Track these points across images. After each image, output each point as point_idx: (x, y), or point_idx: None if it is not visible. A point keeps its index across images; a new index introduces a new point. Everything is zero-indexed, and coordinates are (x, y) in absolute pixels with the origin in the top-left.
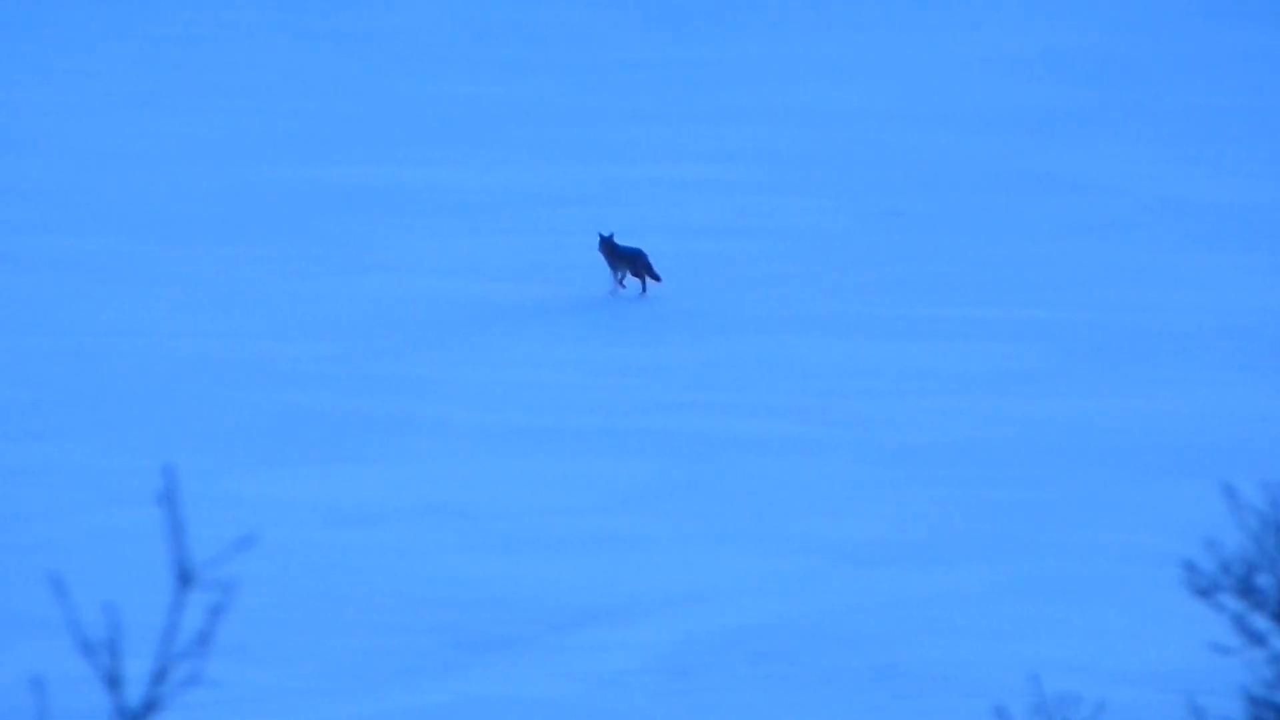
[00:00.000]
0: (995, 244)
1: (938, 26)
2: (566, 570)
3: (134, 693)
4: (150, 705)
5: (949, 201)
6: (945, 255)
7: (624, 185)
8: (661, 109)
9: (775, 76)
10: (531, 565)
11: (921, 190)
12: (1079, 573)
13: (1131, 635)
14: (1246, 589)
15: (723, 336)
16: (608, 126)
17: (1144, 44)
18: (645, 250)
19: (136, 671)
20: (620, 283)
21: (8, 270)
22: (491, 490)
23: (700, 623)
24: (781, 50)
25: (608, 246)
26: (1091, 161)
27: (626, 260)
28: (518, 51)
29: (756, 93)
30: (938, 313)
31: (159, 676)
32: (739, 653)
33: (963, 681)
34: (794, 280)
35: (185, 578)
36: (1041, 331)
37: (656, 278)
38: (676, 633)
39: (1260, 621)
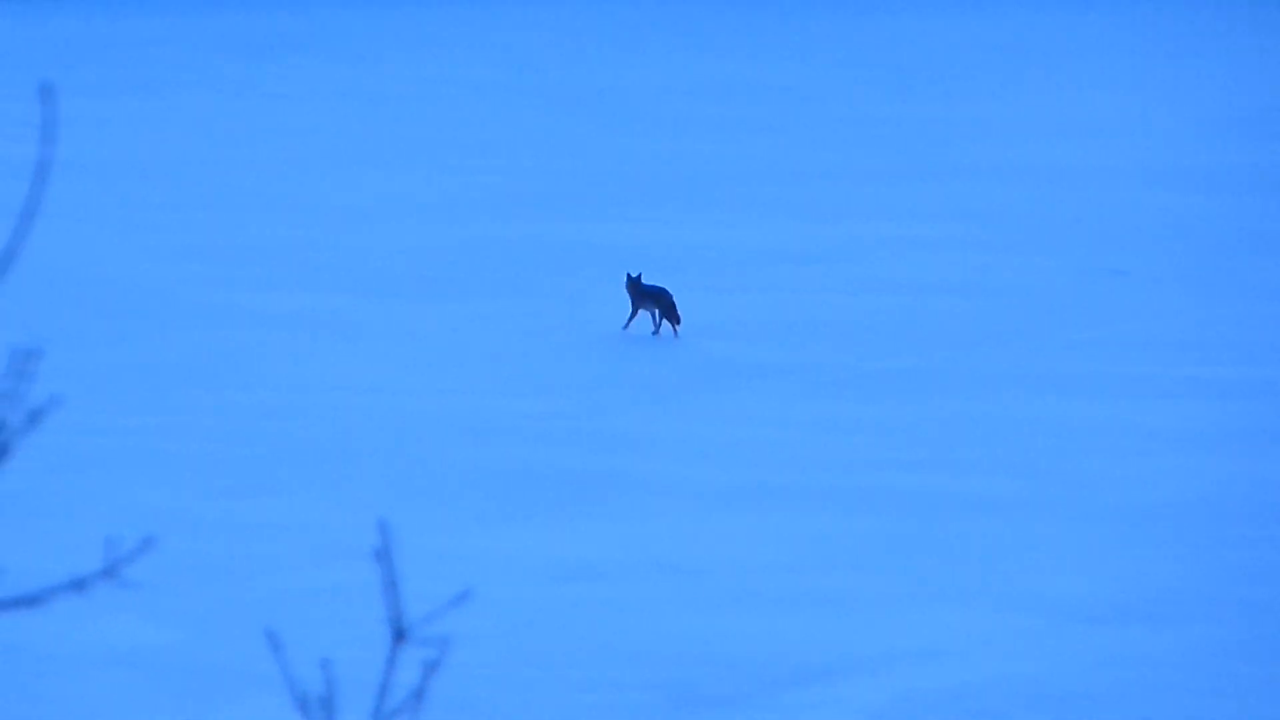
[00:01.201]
0: (1220, 303)
1: (1165, 85)
2: (786, 628)
3: None
4: None
5: (1173, 260)
6: (1169, 314)
7: (854, 243)
8: (893, 167)
9: (1004, 135)
10: (752, 622)
11: (1146, 249)
12: None
13: None
14: None
15: (946, 394)
16: (839, 185)
17: None
18: (670, 291)
19: None
20: (652, 323)
21: (232, 326)
22: (713, 547)
23: (920, 681)
24: (1010, 109)
25: (633, 285)
26: None
27: (650, 298)
28: (751, 111)
29: (985, 151)
30: (1162, 371)
31: None
32: (958, 711)
33: None
34: (1018, 338)
35: (400, 634)
36: (1269, 390)
37: (677, 320)
38: (895, 691)
39: None
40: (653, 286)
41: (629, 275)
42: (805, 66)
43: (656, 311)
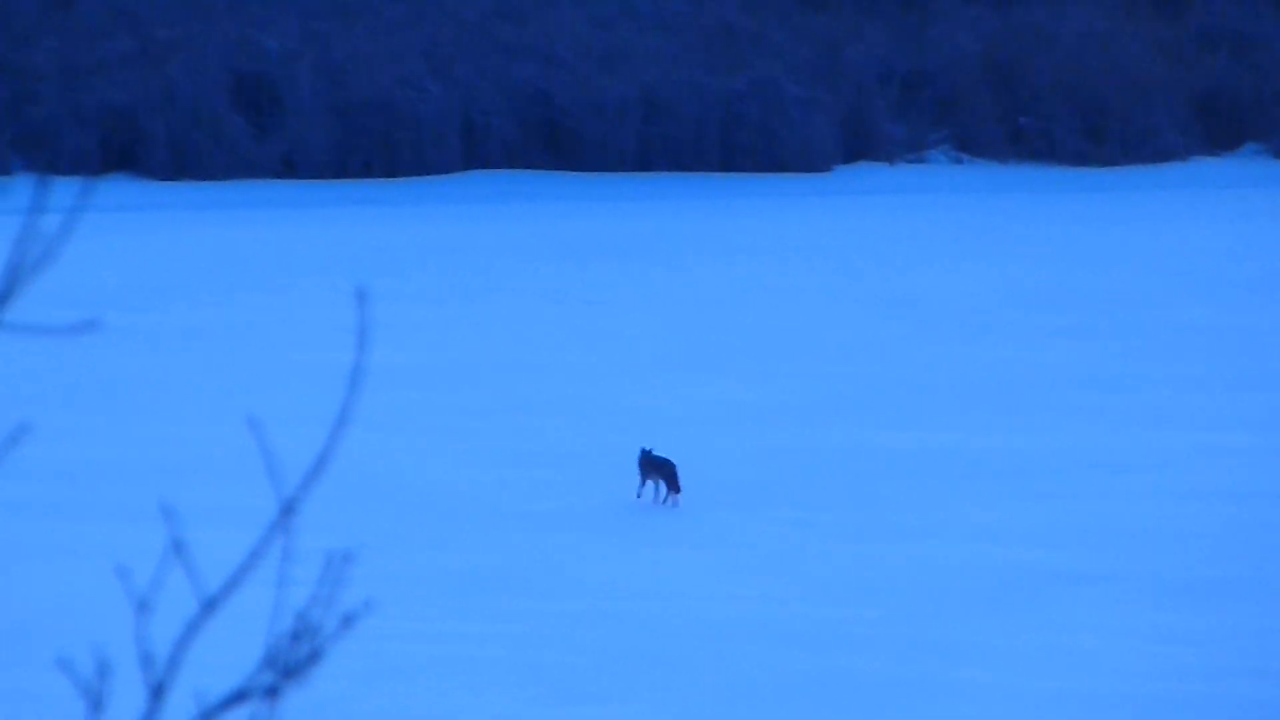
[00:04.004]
0: None
1: None
2: None
3: None
4: None
5: None
6: None
7: (1170, 450)
8: (1210, 374)
9: None
10: None
11: None
12: None
13: None
14: None
15: (1275, 604)
16: (1155, 391)
17: None
18: (676, 464)
19: None
20: (656, 493)
21: (546, 531)
22: None
23: None
24: None
25: (646, 459)
26: None
27: (657, 469)
28: (1065, 317)
29: None
30: None
31: None
32: None
33: None
34: None
35: None
36: None
37: (677, 489)
38: None
39: None
40: (661, 458)
41: (642, 450)
42: (1122, 273)
43: (662, 483)
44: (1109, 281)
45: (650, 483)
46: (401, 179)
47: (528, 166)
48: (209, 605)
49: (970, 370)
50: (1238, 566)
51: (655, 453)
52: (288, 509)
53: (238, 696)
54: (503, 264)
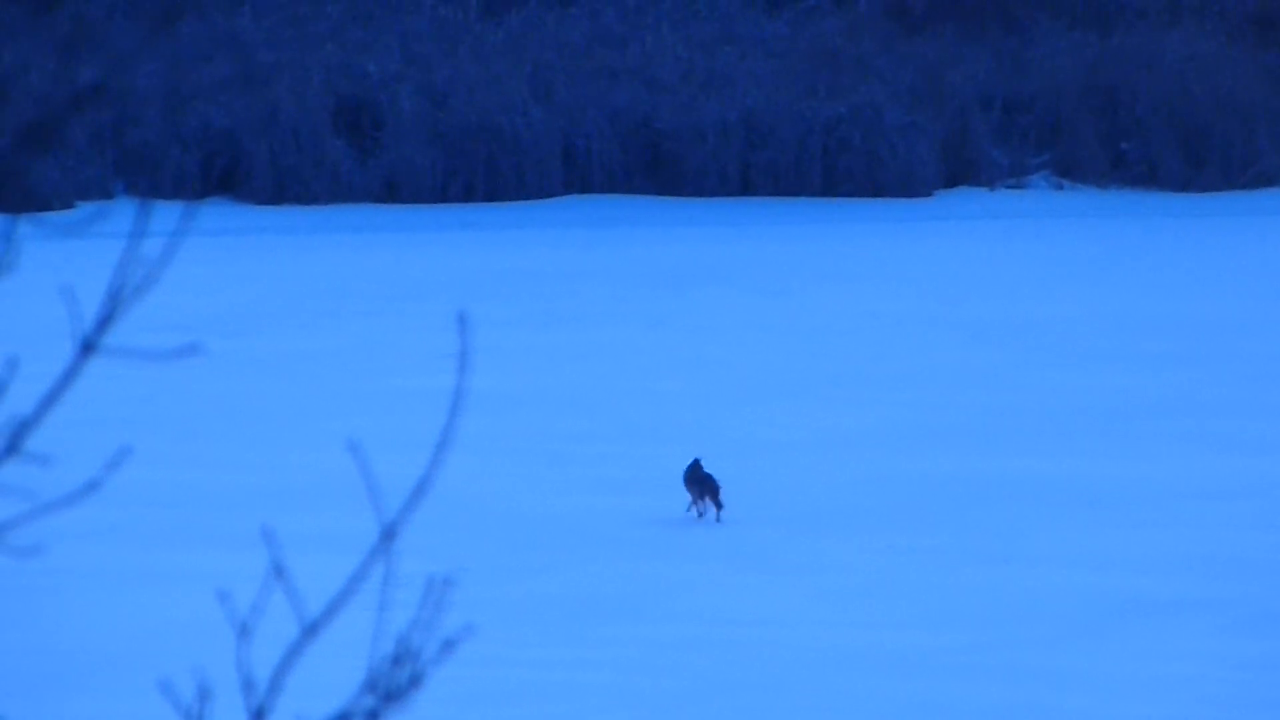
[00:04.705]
0: None
1: None
2: None
3: None
4: None
5: None
6: None
7: (1270, 478)
8: None
9: None
10: None
11: None
12: None
13: None
14: None
15: None
16: (1259, 419)
17: None
18: (719, 482)
19: None
20: (696, 508)
21: (647, 558)
22: None
23: None
24: None
25: (693, 473)
26: None
27: (701, 484)
28: (1165, 343)
29: None
30: None
31: None
32: None
33: None
34: None
35: None
36: None
37: (719, 505)
38: None
39: None
40: (707, 474)
41: (695, 461)
42: (1223, 299)
43: (707, 498)
44: (1209, 307)
45: (702, 497)
46: (502, 203)
47: (628, 191)
48: (310, 630)
49: (1070, 396)
50: None
51: (704, 468)
52: (388, 534)
53: None
54: (603, 289)
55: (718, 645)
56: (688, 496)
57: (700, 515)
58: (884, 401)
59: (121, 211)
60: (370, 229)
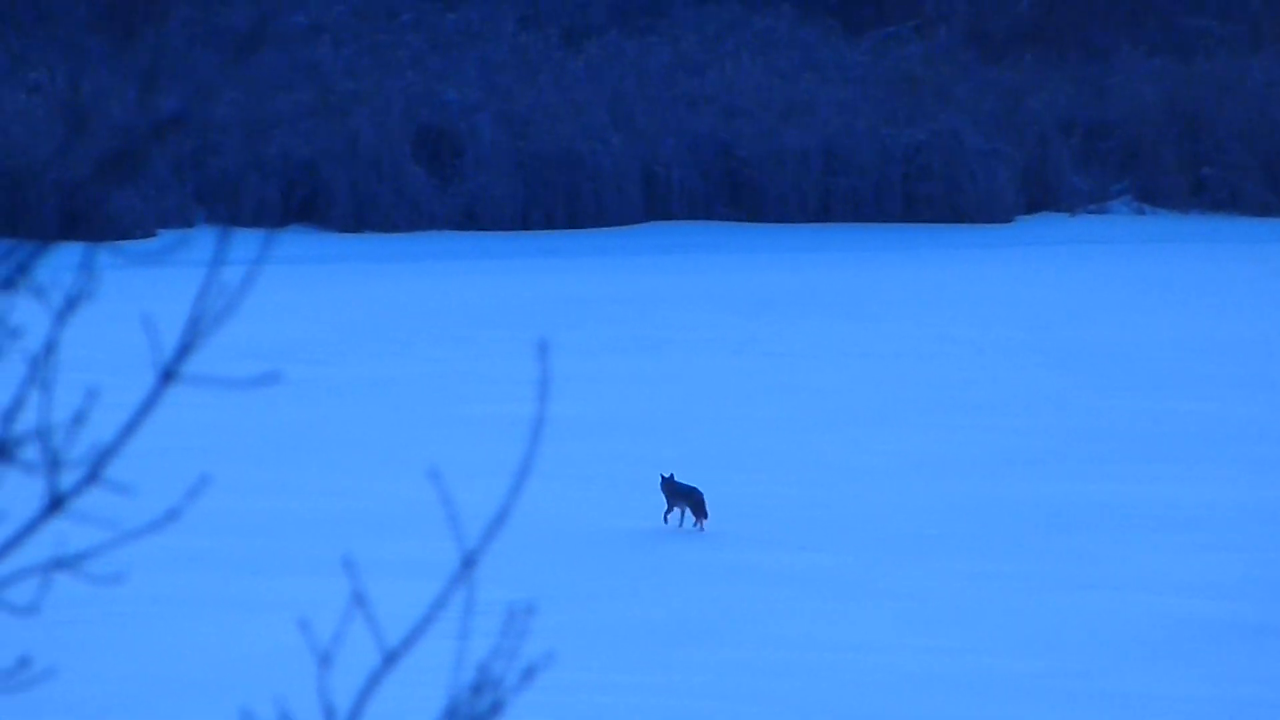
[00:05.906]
0: None
1: None
2: None
3: None
4: None
5: None
6: None
7: None
8: None
9: None
10: None
11: None
12: None
13: None
14: None
15: None
16: None
17: None
18: (701, 490)
19: None
20: (668, 518)
21: (729, 583)
22: None
23: None
24: None
25: (668, 485)
26: None
27: (682, 496)
28: (1245, 368)
29: None
30: None
31: None
32: None
33: None
34: None
35: None
36: None
37: (704, 515)
38: None
39: None
40: (685, 485)
41: (662, 477)
42: None
43: (688, 509)
44: None
45: (676, 509)
46: (582, 230)
47: (708, 218)
48: (390, 658)
49: (1150, 422)
50: None
51: (678, 479)
52: (469, 561)
53: None
54: (683, 315)
55: (802, 671)
56: (664, 506)
57: (680, 525)
58: (965, 427)
59: (202, 240)
60: (450, 256)
